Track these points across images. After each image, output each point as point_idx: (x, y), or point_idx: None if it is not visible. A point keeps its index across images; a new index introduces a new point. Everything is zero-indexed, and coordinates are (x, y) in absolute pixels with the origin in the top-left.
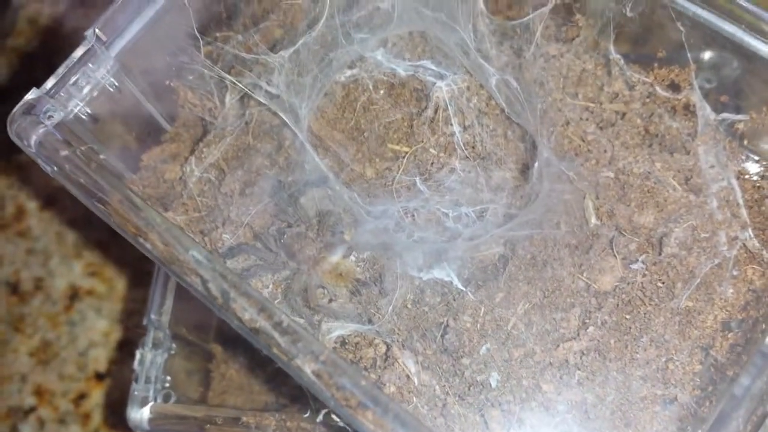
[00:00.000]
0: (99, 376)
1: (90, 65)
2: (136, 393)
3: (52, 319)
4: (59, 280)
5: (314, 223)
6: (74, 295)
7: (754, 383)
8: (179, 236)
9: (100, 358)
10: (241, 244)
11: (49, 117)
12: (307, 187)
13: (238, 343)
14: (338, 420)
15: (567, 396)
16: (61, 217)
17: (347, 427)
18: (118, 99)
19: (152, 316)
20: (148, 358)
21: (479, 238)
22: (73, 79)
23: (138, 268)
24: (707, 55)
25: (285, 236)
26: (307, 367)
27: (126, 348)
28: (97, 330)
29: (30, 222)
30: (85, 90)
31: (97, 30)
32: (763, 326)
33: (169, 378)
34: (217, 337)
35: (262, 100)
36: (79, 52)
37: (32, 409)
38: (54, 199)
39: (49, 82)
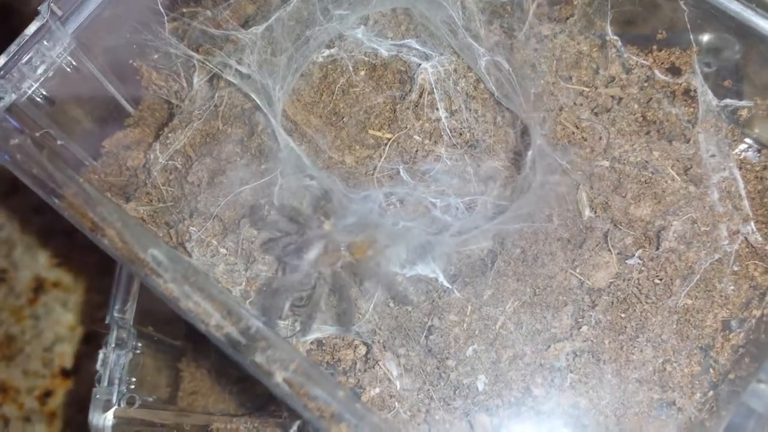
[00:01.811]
0: (65, 373)
1: (45, 43)
2: (98, 396)
3: (16, 312)
4: (24, 272)
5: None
6: (39, 287)
7: None
8: (139, 233)
9: (66, 354)
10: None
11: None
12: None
13: (210, 340)
14: None
15: (559, 400)
16: (25, 204)
17: None
18: (76, 79)
19: (115, 314)
20: (111, 359)
21: (468, 232)
22: (26, 57)
23: (106, 257)
24: (707, 37)
25: (303, 251)
26: (277, 376)
27: (93, 343)
28: (63, 324)
29: None
30: (40, 69)
31: (51, 4)
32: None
33: (134, 379)
34: (187, 334)
35: (231, 80)
36: (32, 29)
37: None
38: (18, 185)
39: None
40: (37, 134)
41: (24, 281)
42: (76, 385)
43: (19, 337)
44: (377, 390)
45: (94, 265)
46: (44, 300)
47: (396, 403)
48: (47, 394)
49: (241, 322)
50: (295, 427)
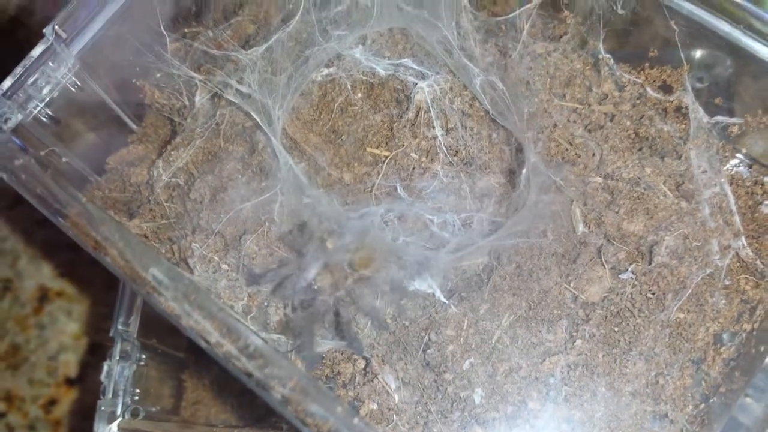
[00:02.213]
0: (69, 382)
1: (50, 64)
2: (102, 408)
3: (21, 322)
4: (28, 282)
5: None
6: (44, 296)
7: (757, 405)
8: (140, 252)
9: (71, 363)
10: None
11: (6, 120)
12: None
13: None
14: None
15: (554, 413)
16: (29, 216)
17: None
18: (81, 99)
19: (119, 327)
20: (115, 371)
21: (464, 248)
22: (32, 79)
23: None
24: (699, 53)
25: (310, 281)
26: (275, 394)
27: (98, 352)
28: (68, 333)
29: None
30: (45, 90)
31: (56, 27)
32: (761, 348)
33: (138, 391)
34: (189, 346)
35: (232, 99)
36: (37, 51)
37: (1, 415)
38: (21, 198)
39: (6, 83)
40: (43, 153)
41: (29, 291)
42: (81, 394)
43: (24, 346)
44: (376, 403)
45: (98, 277)
46: (49, 309)
47: (394, 416)
48: (52, 402)
49: (240, 340)
50: None
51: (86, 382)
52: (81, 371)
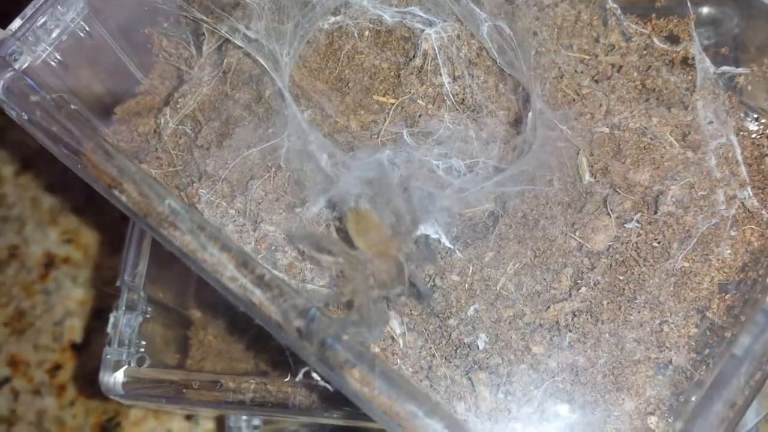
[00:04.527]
0: (75, 347)
1: (59, 7)
2: (108, 357)
3: (27, 287)
4: (34, 248)
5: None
6: (50, 263)
7: (756, 342)
8: (155, 185)
9: (76, 328)
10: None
11: (15, 60)
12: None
13: (218, 309)
14: (319, 379)
15: (557, 358)
16: (36, 182)
17: (328, 387)
18: (89, 45)
19: (125, 277)
20: (121, 321)
21: (469, 190)
22: (41, 20)
23: (115, 234)
24: (705, 10)
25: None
26: (290, 324)
27: (102, 317)
28: (73, 299)
29: (4, 188)
30: (54, 33)
31: None
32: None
33: (144, 342)
34: (195, 303)
35: (240, 44)
36: None
37: (6, 380)
38: (29, 163)
39: (15, 23)
40: (53, 96)
41: (35, 257)
42: (86, 359)
43: (29, 312)
44: (380, 348)
45: (103, 243)
46: (55, 275)
47: (399, 361)
48: (57, 367)
49: (256, 270)
50: (300, 375)
51: (91, 347)
52: (86, 336)
